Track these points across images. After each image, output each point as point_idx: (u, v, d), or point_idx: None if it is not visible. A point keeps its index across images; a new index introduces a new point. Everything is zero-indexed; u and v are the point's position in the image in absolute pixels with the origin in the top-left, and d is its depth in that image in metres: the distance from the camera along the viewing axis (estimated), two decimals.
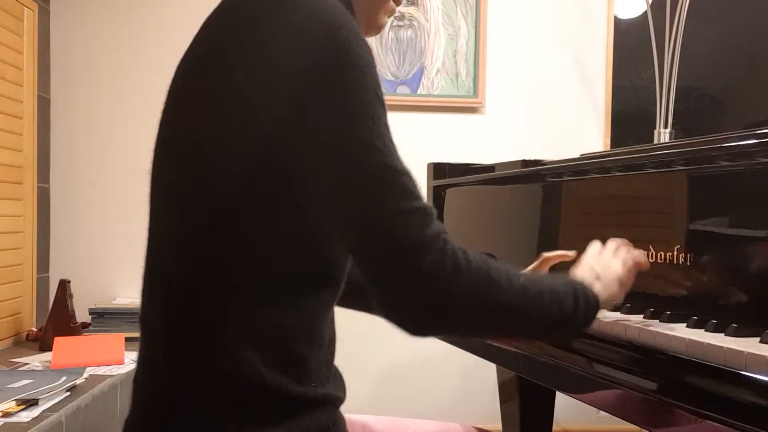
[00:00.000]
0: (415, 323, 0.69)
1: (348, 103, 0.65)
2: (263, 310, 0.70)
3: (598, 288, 0.83)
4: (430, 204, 0.70)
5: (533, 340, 1.03)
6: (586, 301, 0.80)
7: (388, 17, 0.88)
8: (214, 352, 0.69)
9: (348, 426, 0.82)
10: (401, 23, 2.65)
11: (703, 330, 0.85)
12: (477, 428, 1.01)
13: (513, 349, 1.13)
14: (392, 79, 2.65)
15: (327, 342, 0.77)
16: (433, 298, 0.67)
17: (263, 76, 0.67)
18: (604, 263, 0.88)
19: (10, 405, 1.50)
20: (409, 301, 0.67)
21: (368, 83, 0.66)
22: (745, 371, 0.71)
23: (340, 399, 0.78)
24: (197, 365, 0.71)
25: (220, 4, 0.77)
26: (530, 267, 1.06)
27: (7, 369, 1.88)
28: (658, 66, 2.30)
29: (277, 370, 0.69)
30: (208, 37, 0.75)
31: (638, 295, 1.06)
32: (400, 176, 0.67)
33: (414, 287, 0.66)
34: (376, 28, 0.87)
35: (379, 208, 0.66)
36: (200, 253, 0.70)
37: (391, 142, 0.68)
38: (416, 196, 0.68)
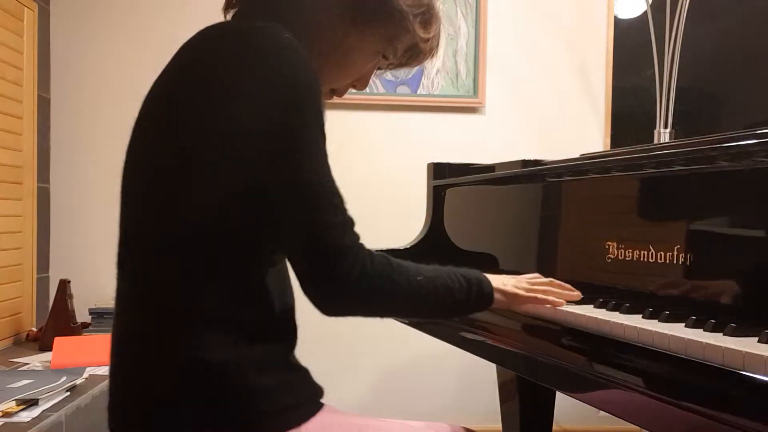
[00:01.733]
0: (330, 310, 0.87)
1: (298, 134, 0.82)
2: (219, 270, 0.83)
3: (498, 285, 1.02)
4: (352, 218, 0.86)
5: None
6: (479, 293, 0.99)
7: (334, 96, 1.03)
8: (179, 298, 0.82)
9: (330, 422, 0.88)
10: None
11: (701, 330, 0.85)
12: (465, 428, 1.02)
13: (513, 349, 1.13)
14: (392, 78, 2.65)
15: (282, 285, 0.93)
16: (344, 293, 0.85)
17: (231, 119, 0.81)
18: (512, 279, 1.07)
19: (10, 405, 1.50)
20: (326, 293, 0.85)
21: (315, 117, 0.83)
22: (744, 371, 0.71)
23: (294, 327, 0.93)
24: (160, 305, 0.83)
25: (195, 40, 0.88)
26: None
27: (7, 369, 1.88)
28: (658, 66, 2.30)
29: (236, 307, 0.83)
30: (180, 74, 0.87)
31: (637, 295, 1.06)
32: (332, 197, 0.84)
33: (331, 283, 0.84)
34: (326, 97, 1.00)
35: (313, 222, 0.82)
36: (177, 229, 0.83)
37: (328, 167, 0.84)
38: (342, 210, 0.84)
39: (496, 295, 1.01)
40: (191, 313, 0.81)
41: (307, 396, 0.89)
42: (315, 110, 0.83)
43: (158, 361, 0.82)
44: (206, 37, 0.87)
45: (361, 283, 0.84)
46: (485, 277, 1.01)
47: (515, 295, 1.04)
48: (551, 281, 1.10)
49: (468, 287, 0.97)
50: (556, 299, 1.06)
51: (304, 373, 0.91)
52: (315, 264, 0.83)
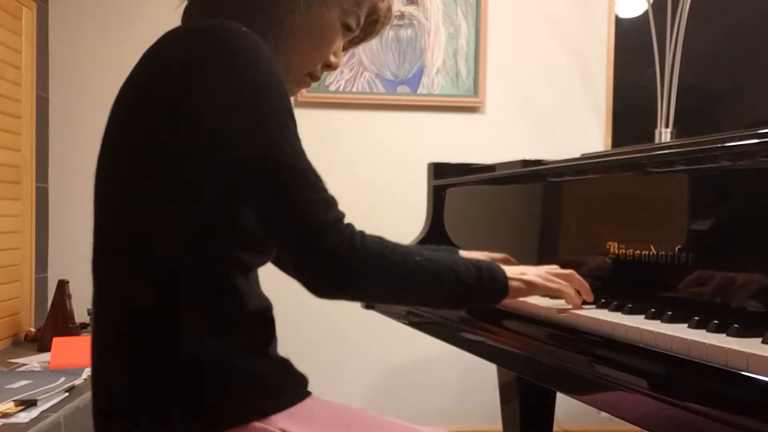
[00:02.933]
0: (320, 289, 0.86)
1: (266, 119, 0.82)
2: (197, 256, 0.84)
3: (512, 274, 0.98)
4: (335, 198, 0.85)
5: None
6: (491, 279, 0.96)
7: (298, 89, 1.02)
8: (171, 295, 0.83)
9: (313, 408, 0.89)
10: (401, 22, 2.65)
11: (704, 330, 0.84)
12: None
13: (514, 350, 1.12)
14: (392, 78, 2.65)
15: (260, 290, 0.93)
16: (333, 271, 0.84)
17: (198, 118, 0.82)
18: (533, 268, 1.03)
19: (8, 406, 1.50)
20: (314, 272, 0.85)
21: (280, 101, 0.83)
22: (747, 372, 0.71)
23: (272, 319, 0.92)
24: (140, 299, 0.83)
25: (155, 46, 0.91)
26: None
27: (5, 370, 1.87)
28: (659, 65, 2.29)
29: (216, 299, 0.84)
30: (147, 75, 0.90)
31: (640, 295, 1.06)
32: (308, 174, 0.83)
33: (318, 261, 0.83)
34: (291, 91, 0.99)
35: (291, 200, 0.82)
36: (134, 227, 0.84)
37: (301, 149, 0.84)
38: (321, 188, 0.84)
39: (514, 284, 0.98)
40: (162, 313, 0.82)
41: (289, 383, 0.89)
42: (278, 95, 0.83)
43: (132, 360, 0.83)
44: (166, 41, 0.90)
45: (351, 260, 0.83)
46: (497, 265, 0.98)
47: (534, 284, 1.00)
48: (572, 273, 1.06)
49: (478, 273, 0.94)
50: (575, 300, 1.03)
51: (284, 363, 0.90)
52: (300, 244, 0.83)
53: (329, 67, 1.01)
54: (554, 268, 1.06)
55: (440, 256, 0.93)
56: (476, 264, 0.95)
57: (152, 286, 0.83)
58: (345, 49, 1.04)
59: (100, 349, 0.88)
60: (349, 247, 0.83)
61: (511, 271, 0.99)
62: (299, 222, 0.82)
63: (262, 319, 0.91)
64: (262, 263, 0.93)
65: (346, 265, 0.84)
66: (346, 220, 0.86)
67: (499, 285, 0.97)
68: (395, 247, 0.88)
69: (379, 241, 0.87)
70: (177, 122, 0.82)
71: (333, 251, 0.82)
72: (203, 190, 0.82)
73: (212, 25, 0.85)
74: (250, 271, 0.90)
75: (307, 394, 0.90)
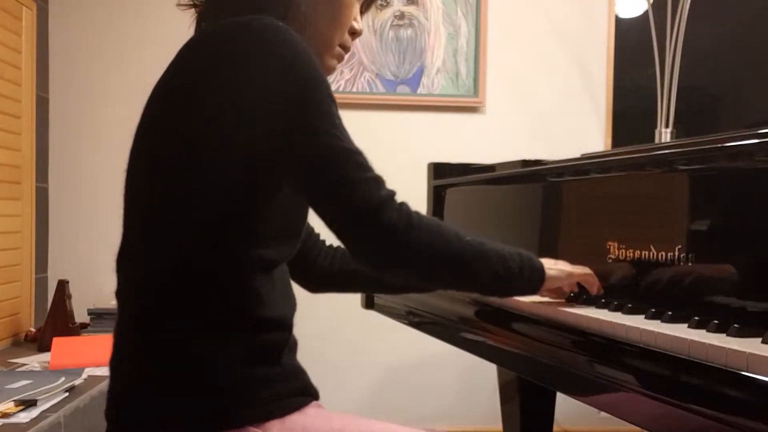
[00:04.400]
0: (377, 265, 0.89)
1: (310, 106, 0.83)
2: (227, 256, 0.85)
3: (548, 264, 1.01)
4: (382, 177, 0.87)
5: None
6: (531, 267, 0.99)
7: (337, 62, 1.03)
8: (181, 294, 0.83)
9: (314, 415, 0.89)
10: (401, 22, 2.65)
11: (704, 330, 0.84)
12: None
13: (514, 350, 1.12)
14: (392, 78, 2.65)
15: (287, 288, 0.95)
16: (390, 246, 0.86)
17: (243, 101, 0.82)
18: (561, 262, 1.06)
19: (8, 406, 1.50)
20: (371, 249, 0.86)
21: (322, 88, 0.84)
22: (747, 372, 0.71)
23: (290, 325, 0.93)
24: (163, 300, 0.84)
25: (193, 39, 0.90)
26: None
27: (5, 370, 1.87)
28: (660, 65, 2.29)
29: (237, 300, 0.85)
30: (187, 66, 0.88)
31: (640, 295, 1.06)
32: (355, 155, 0.85)
33: (376, 236, 0.85)
34: (326, 69, 1.00)
35: (342, 180, 0.83)
36: (173, 219, 0.84)
37: (345, 130, 0.85)
38: (368, 168, 0.85)
39: (551, 272, 1.01)
40: (179, 309, 0.83)
41: (294, 390, 0.89)
42: (322, 83, 0.84)
43: (144, 354, 0.84)
44: (208, 36, 0.89)
45: (409, 234, 0.85)
46: (533, 254, 1.01)
47: (570, 273, 1.04)
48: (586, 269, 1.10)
49: (519, 258, 0.97)
50: (598, 289, 1.08)
51: (295, 371, 0.91)
52: (356, 221, 0.84)
53: (354, 34, 1.01)
54: (566, 264, 1.08)
55: (483, 239, 0.94)
56: (518, 251, 0.97)
57: (159, 284, 0.84)
58: (362, 12, 1.04)
59: (117, 338, 0.89)
60: (407, 222, 0.85)
61: (544, 261, 1.02)
62: (354, 199, 0.83)
63: (277, 324, 0.90)
64: (283, 260, 0.94)
65: (405, 239, 0.85)
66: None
67: (539, 273, 1.00)
68: (449, 227, 0.91)
69: (434, 220, 0.90)
70: (224, 115, 0.82)
71: (391, 225, 0.84)
72: (234, 177, 0.82)
73: (252, 20, 0.85)
74: (270, 270, 0.90)
75: (309, 402, 0.90)
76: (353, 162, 0.84)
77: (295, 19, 0.92)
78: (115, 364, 0.88)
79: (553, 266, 1.03)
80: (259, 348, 0.86)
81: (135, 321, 0.86)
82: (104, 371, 1.87)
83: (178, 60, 0.89)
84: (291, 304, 0.95)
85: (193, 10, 0.96)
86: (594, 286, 1.08)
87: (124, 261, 0.89)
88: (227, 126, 0.82)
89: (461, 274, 0.94)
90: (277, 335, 0.89)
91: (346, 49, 1.01)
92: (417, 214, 0.88)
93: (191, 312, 0.83)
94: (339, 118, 0.85)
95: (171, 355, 0.83)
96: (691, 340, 0.79)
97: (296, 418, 0.86)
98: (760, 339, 0.77)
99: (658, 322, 0.92)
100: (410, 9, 2.65)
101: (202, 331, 0.83)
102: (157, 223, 0.85)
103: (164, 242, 0.84)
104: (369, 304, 1.70)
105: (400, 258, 0.87)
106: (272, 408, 0.85)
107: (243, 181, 0.83)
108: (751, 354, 0.72)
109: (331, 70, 1.00)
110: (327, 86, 0.85)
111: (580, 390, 0.96)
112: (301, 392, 0.90)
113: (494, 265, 0.93)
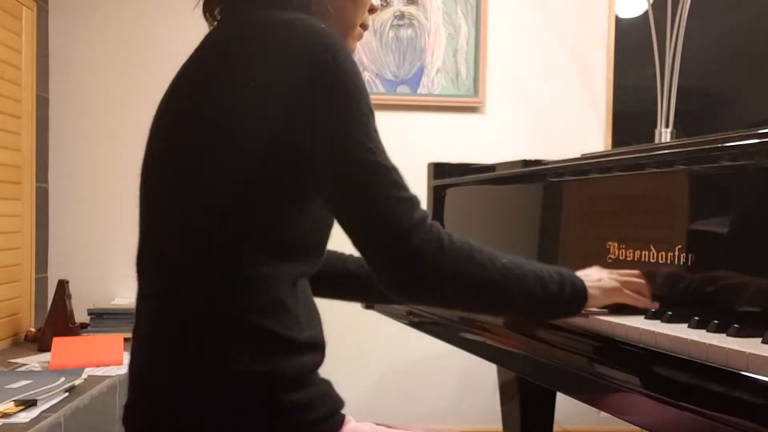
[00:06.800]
0: (406, 293, 0.82)
1: (347, 115, 0.79)
2: (255, 269, 0.81)
3: (590, 282, 0.93)
4: (417, 196, 0.82)
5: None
6: (572, 287, 0.90)
7: (357, 41, 1.00)
8: (212, 305, 0.80)
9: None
10: (401, 22, 2.65)
11: (704, 330, 0.84)
12: None
13: (514, 350, 1.12)
14: (392, 78, 2.65)
15: (310, 300, 0.91)
16: (420, 272, 0.80)
17: (270, 93, 0.79)
18: (605, 272, 0.98)
19: (8, 406, 1.50)
20: (400, 275, 0.80)
21: (361, 98, 0.80)
22: (747, 372, 0.71)
23: (323, 343, 0.90)
24: (193, 315, 0.81)
25: (216, 30, 0.89)
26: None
27: (5, 370, 1.87)
28: (660, 65, 2.29)
29: (268, 318, 0.80)
30: (206, 67, 0.85)
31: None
32: (390, 172, 0.80)
33: (405, 263, 0.79)
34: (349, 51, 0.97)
35: (374, 199, 0.78)
36: (199, 228, 0.81)
37: (381, 144, 0.81)
38: (404, 187, 0.81)
39: (593, 291, 0.92)
40: (220, 320, 0.80)
41: (332, 410, 0.87)
42: (361, 93, 0.81)
43: (184, 367, 0.81)
44: (246, 28, 0.85)
45: (439, 260, 0.79)
46: (573, 272, 0.93)
47: (615, 290, 0.94)
48: (638, 273, 1.01)
49: (560, 280, 0.89)
50: (649, 301, 0.98)
51: (328, 387, 0.88)
52: (385, 244, 0.79)
53: (372, 10, 0.99)
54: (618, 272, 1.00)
55: (521, 260, 0.87)
56: (557, 270, 0.90)
57: (196, 297, 0.81)
58: None
59: (145, 345, 0.85)
60: (437, 246, 0.79)
61: (585, 277, 0.93)
62: (384, 221, 0.78)
63: (315, 338, 0.87)
64: (309, 273, 0.90)
65: (435, 266, 0.79)
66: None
67: (581, 295, 0.91)
68: (482, 249, 0.84)
69: (466, 241, 0.83)
70: (254, 121, 0.79)
71: (421, 251, 0.78)
72: (261, 187, 0.79)
73: (296, 19, 0.82)
74: (297, 282, 0.86)
75: (342, 420, 0.88)
76: (387, 179, 0.79)
77: (319, 3, 0.89)
78: (147, 375, 0.84)
79: (596, 283, 0.93)
80: (297, 370, 0.83)
81: (168, 333, 0.82)
82: (104, 371, 1.87)
83: (211, 53, 0.85)
84: (318, 318, 0.92)
85: (199, 8, 0.92)
86: (647, 304, 0.97)
87: (148, 264, 0.86)
88: (258, 124, 0.79)
89: (495, 300, 0.88)
90: (314, 355, 0.87)
91: (365, 27, 0.98)
92: (449, 236, 0.81)
93: (230, 327, 0.80)
94: (376, 132, 0.81)
95: (219, 376, 0.79)
96: (691, 340, 0.79)
97: None
98: (760, 339, 0.77)
99: (658, 322, 0.92)
100: (410, 9, 2.65)
101: (247, 352, 0.79)
102: (192, 235, 0.81)
103: (203, 253, 0.81)
104: (369, 304, 1.70)
105: (428, 286, 0.82)
106: (319, 430, 0.83)
107: (271, 186, 0.80)
108: (751, 354, 0.72)
109: (352, 51, 0.95)
110: (366, 96, 0.81)
111: (580, 390, 0.96)
112: (333, 412, 0.87)
113: (532, 288, 0.86)
